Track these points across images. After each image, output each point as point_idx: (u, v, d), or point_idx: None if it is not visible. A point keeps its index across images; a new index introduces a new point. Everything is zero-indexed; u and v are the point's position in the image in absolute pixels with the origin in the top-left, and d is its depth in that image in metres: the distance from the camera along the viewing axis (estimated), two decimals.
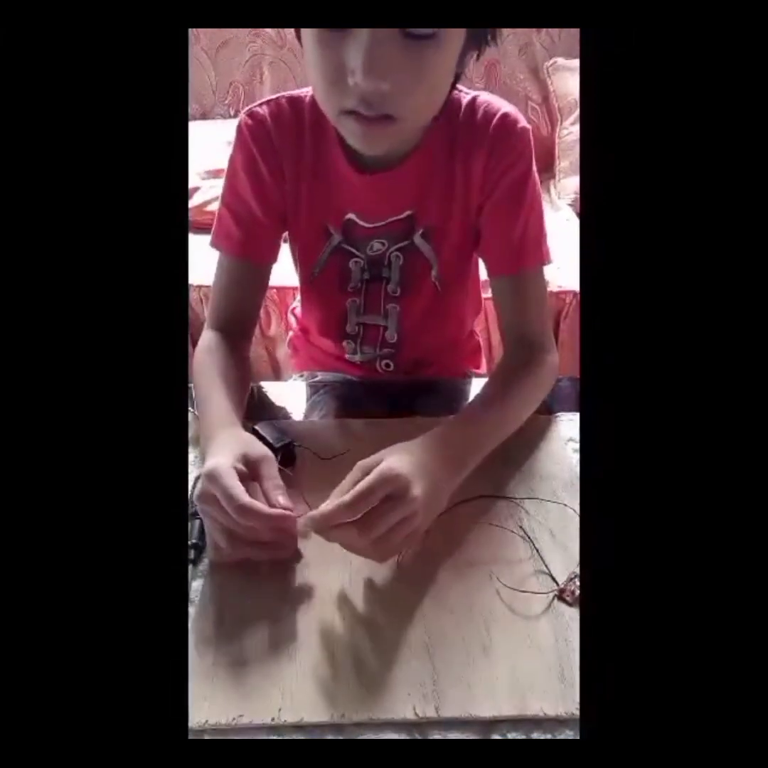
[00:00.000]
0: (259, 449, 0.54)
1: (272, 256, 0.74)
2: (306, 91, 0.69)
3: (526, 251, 0.69)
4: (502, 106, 0.67)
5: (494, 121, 0.66)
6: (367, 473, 0.49)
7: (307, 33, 0.54)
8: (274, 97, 0.69)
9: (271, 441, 0.60)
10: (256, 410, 0.70)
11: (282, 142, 0.69)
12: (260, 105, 0.69)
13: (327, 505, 0.48)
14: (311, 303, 0.81)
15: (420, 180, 0.69)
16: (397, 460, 0.50)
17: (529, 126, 0.67)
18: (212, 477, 0.49)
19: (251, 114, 0.69)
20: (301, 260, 0.76)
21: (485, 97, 0.68)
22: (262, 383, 0.77)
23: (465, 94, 0.67)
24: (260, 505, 0.49)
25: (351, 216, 0.71)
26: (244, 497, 0.48)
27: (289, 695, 0.43)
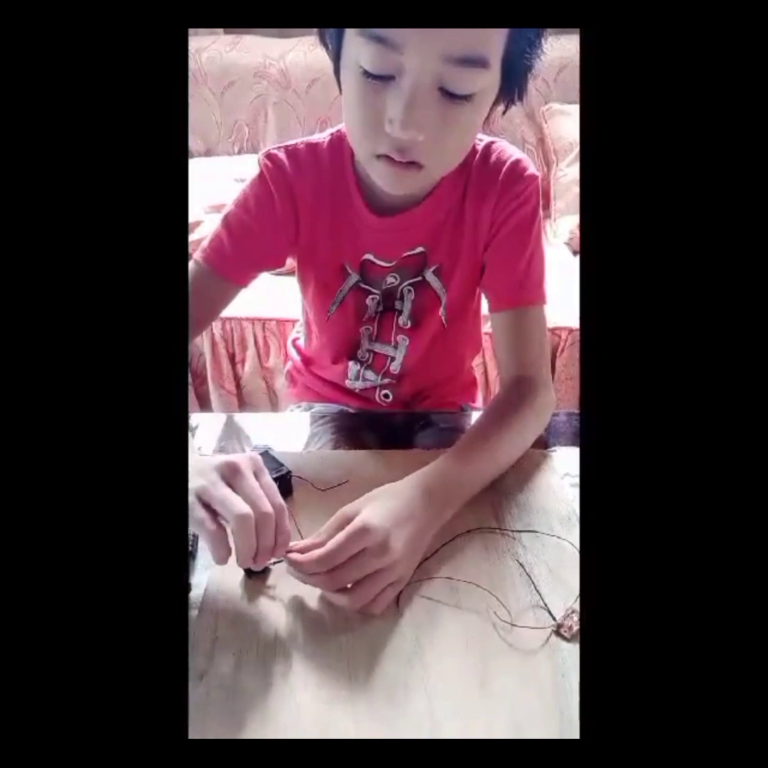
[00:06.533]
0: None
1: (247, 281, 0.74)
2: (323, 137, 0.71)
3: (528, 287, 0.71)
4: (514, 153, 0.70)
5: (506, 167, 0.69)
6: (348, 521, 0.49)
7: (348, 79, 0.56)
8: (292, 143, 0.71)
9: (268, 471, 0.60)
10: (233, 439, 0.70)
11: (300, 187, 0.70)
12: (279, 148, 0.70)
13: (305, 556, 0.48)
14: (324, 335, 0.82)
15: (434, 220, 0.71)
16: (375, 512, 0.50)
17: (538, 173, 0.70)
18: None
19: (270, 157, 0.70)
20: (317, 298, 0.77)
21: (499, 143, 0.71)
22: (260, 414, 0.77)
23: (479, 140, 0.70)
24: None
25: (368, 256, 0.73)
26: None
27: (283, 735, 0.42)
